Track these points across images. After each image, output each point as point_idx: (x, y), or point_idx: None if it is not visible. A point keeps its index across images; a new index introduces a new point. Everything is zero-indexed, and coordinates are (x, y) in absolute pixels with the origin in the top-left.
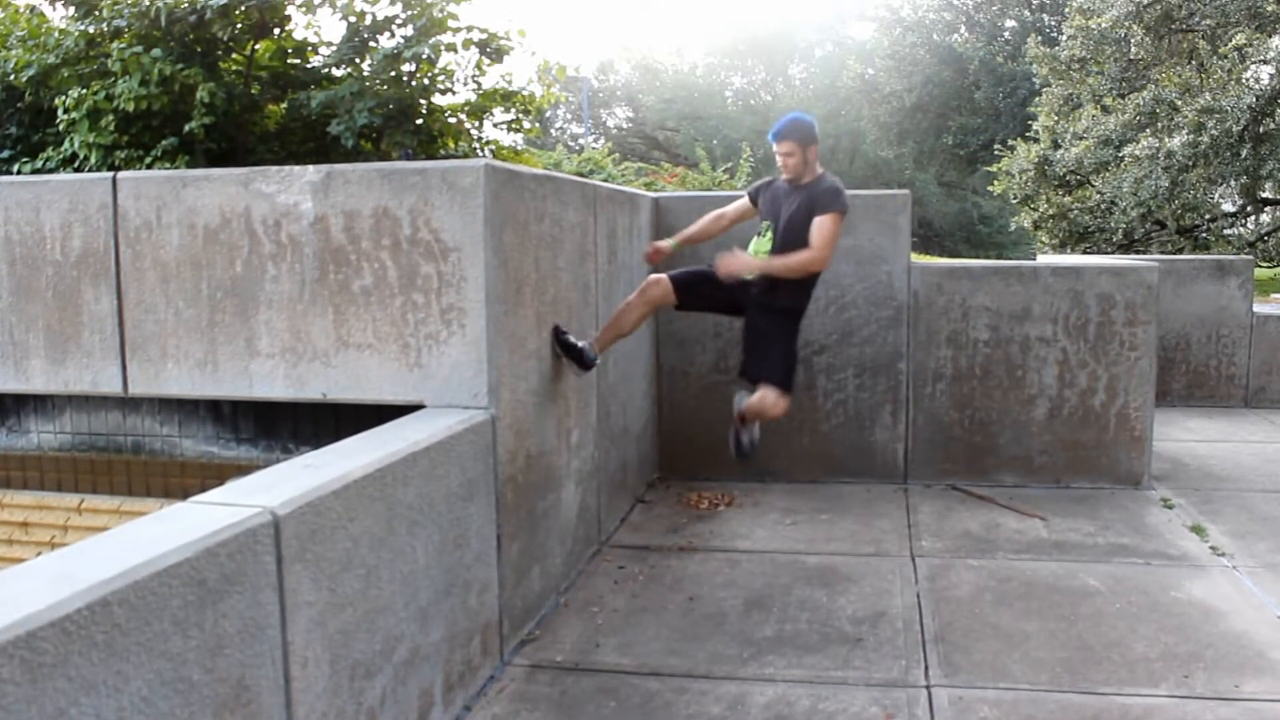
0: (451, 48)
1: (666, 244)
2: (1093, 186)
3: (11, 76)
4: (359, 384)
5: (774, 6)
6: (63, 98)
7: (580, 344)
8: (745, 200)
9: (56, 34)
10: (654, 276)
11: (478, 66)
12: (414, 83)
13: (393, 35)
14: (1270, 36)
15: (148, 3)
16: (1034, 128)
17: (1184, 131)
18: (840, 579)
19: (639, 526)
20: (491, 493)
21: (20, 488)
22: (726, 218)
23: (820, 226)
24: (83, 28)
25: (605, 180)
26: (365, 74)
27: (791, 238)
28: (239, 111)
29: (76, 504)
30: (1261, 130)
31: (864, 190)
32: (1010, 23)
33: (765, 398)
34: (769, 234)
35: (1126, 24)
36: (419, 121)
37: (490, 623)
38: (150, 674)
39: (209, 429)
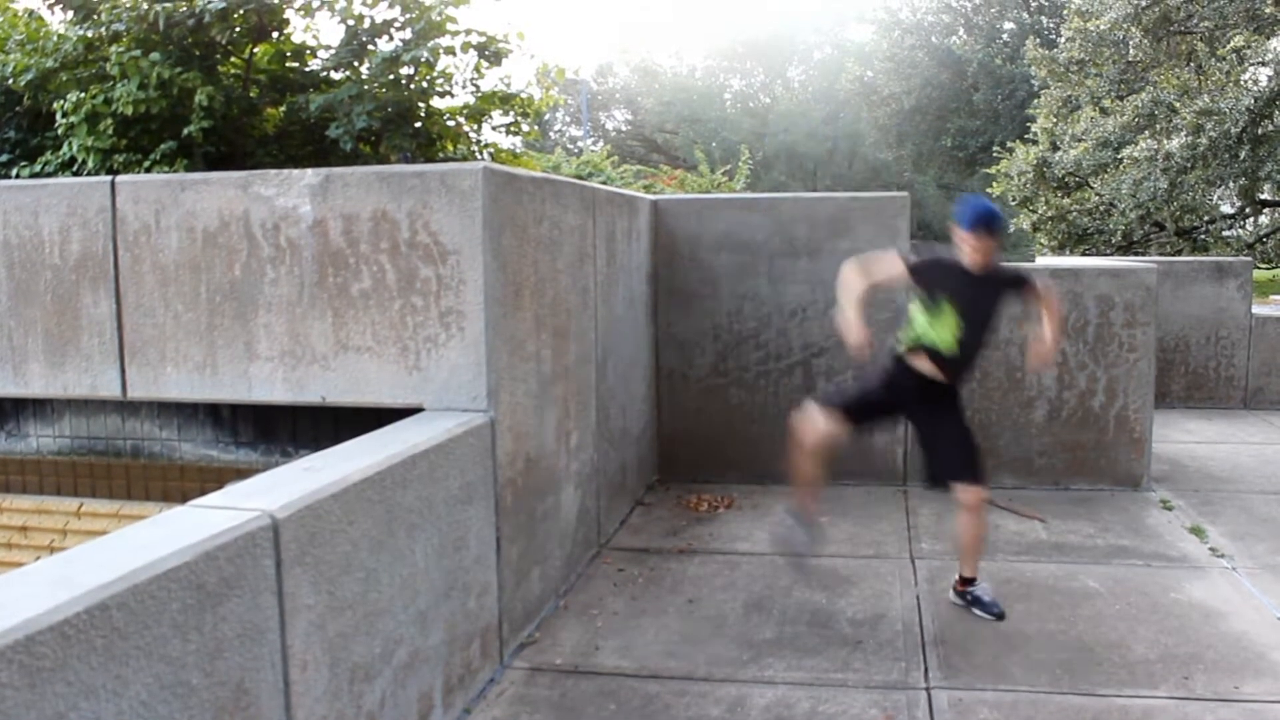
0: (450, 51)
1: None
2: (1091, 188)
3: (10, 80)
4: (358, 387)
5: (773, 9)
6: (61, 101)
7: (800, 518)
8: (901, 270)
9: (55, 38)
10: (809, 416)
11: (476, 69)
12: (412, 86)
13: (391, 38)
14: (1269, 38)
15: (146, 6)
16: (1032, 130)
17: (1182, 133)
18: (840, 581)
19: (638, 529)
20: (491, 495)
21: (19, 492)
22: (878, 287)
23: (1047, 294)
24: (81, 32)
25: (604, 183)
26: (364, 77)
27: (983, 322)
28: (237, 115)
29: (76, 508)
30: (1260, 132)
31: (863, 193)
32: (1009, 25)
33: (972, 497)
34: (950, 313)
35: (1125, 26)
36: (417, 125)
37: (490, 625)
38: (149, 678)
39: (208, 432)
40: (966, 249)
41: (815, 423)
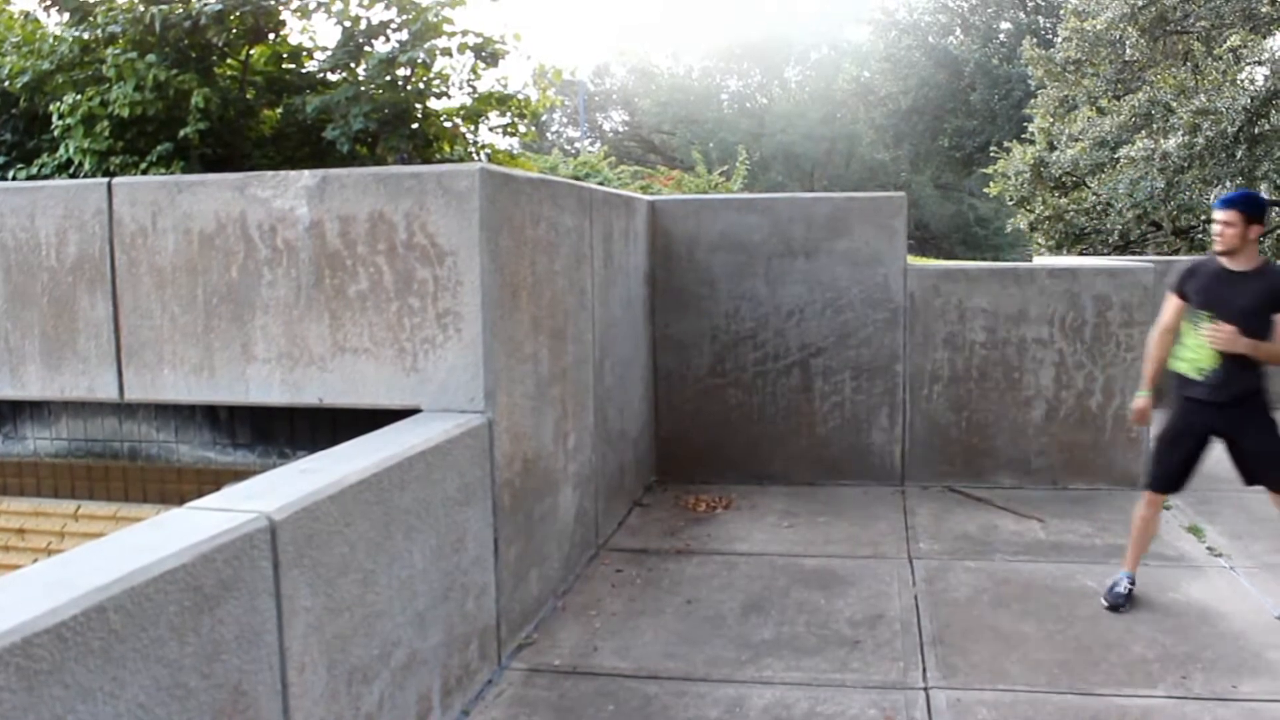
0: (447, 52)
1: (1145, 401)
2: (1088, 188)
3: (6, 83)
4: (355, 388)
5: (769, 10)
6: (57, 104)
7: (1124, 588)
8: (1176, 300)
9: (51, 40)
10: (1149, 499)
11: (473, 70)
12: (409, 87)
13: (388, 39)
14: (1265, 38)
15: (142, 9)
16: (1029, 130)
17: (1179, 133)
18: (838, 581)
19: (637, 529)
20: (488, 497)
21: (17, 494)
22: (1171, 329)
23: None
24: (77, 34)
25: (601, 184)
26: (360, 78)
27: (1239, 321)
28: (234, 117)
29: (73, 510)
30: (1257, 131)
31: (860, 193)
32: (1005, 25)
33: None
34: (1207, 321)
35: (1121, 26)
36: (414, 126)
37: (488, 627)
38: (147, 680)
39: (205, 434)
40: (1215, 231)
41: (1146, 512)
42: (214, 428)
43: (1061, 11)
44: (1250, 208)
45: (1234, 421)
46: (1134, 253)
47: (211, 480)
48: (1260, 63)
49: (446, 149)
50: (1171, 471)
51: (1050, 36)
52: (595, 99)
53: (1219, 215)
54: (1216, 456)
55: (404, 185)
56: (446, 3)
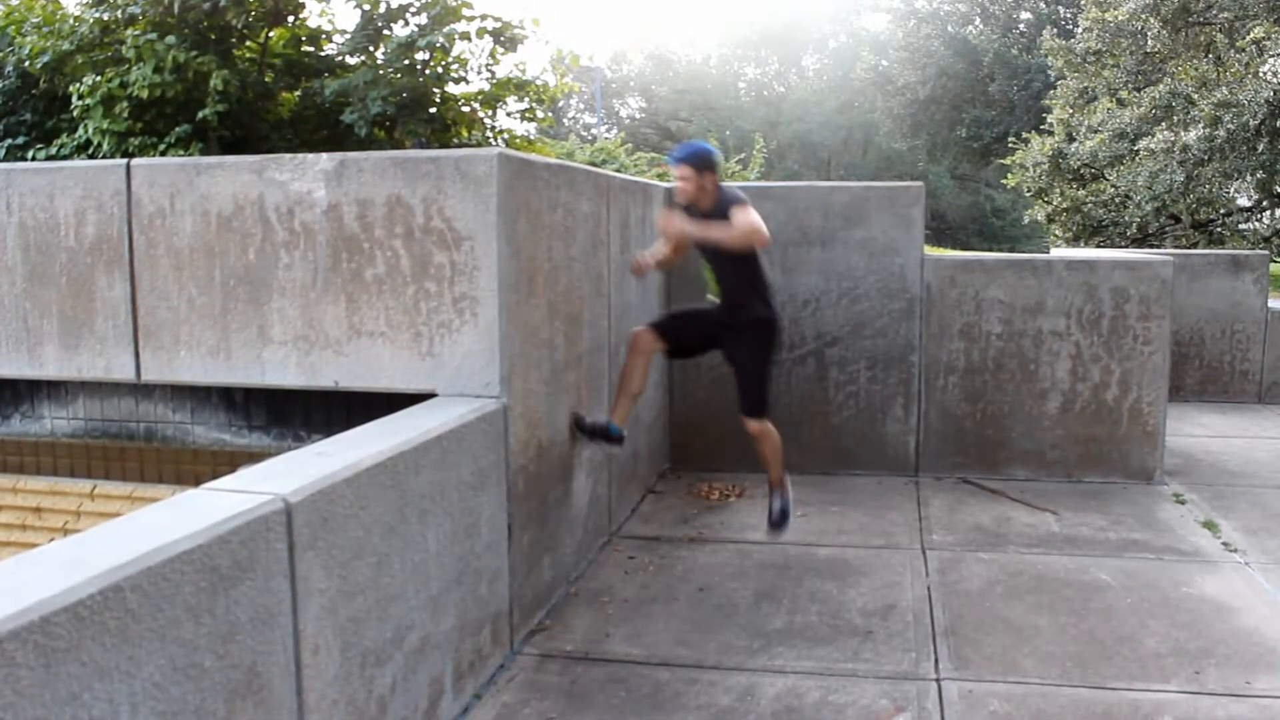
0: (465, 36)
1: (647, 257)
2: (1107, 180)
3: (27, 63)
4: (371, 372)
5: None
6: (77, 84)
7: (601, 421)
8: None
9: (71, 20)
10: (635, 330)
11: (491, 55)
12: (428, 71)
13: (406, 23)
14: None
15: None
16: (1048, 121)
17: (1200, 125)
18: (851, 571)
19: (650, 517)
20: (503, 482)
21: (34, 473)
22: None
23: (735, 216)
24: (97, 14)
25: (618, 170)
26: (379, 62)
27: (719, 257)
28: (253, 99)
29: (89, 490)
30: (1278, 125)
31: (877, 182)
32: (1025, 15)
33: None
34: (706, 263)
35: (1143, 16)
36: (432, 110)
37: (501, 612)
38: (162, 660)
39: (221, 416)
40: (676, 188)
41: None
42: (230, 410)
43: (1082, 2)
44: (700, 161)
45: (731, 336)
46: (1152, 246)
47: (227, 462)
48: None
49: (464, 133)
50: (665, 325)
51: (1071, 27)
52: (612, 85)
53: (675, 171)
54: (1231, 450)
55: (422, 169)
56: None
